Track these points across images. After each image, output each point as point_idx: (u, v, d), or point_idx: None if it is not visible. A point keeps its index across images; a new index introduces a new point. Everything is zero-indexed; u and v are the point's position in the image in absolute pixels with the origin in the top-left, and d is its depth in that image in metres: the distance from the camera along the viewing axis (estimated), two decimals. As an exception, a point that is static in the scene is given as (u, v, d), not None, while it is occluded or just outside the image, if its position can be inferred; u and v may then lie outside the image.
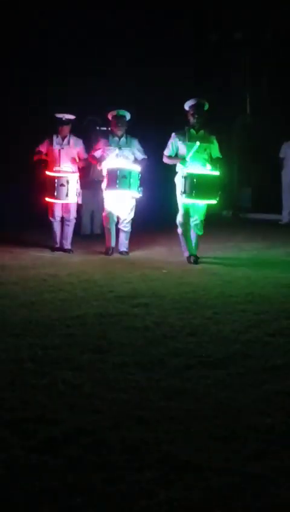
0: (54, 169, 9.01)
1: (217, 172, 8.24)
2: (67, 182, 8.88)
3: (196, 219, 8.40)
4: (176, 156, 8.34)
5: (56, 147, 9.05)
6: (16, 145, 11.65)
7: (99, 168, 9.01)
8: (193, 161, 8.21)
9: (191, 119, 8.34)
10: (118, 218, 9.02)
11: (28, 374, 4.13)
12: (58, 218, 9.18)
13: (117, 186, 8.57)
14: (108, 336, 4.98)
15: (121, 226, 9.02)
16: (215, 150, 8.37)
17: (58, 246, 9.21)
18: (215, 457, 3.08)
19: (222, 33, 15.09)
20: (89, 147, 9.41)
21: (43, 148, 9.12)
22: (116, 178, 8.53)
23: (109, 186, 8.64)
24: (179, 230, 8.43)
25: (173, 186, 8.40)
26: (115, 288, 6.67)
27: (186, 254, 8.47)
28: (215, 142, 8.38)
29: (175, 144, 8.34)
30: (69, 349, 4.63)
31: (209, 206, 8.42)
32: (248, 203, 14.93)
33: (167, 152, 8.42)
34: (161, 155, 8.48)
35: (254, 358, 4.50)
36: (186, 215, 8.36)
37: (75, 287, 6.72)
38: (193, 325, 5.33)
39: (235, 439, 3.27)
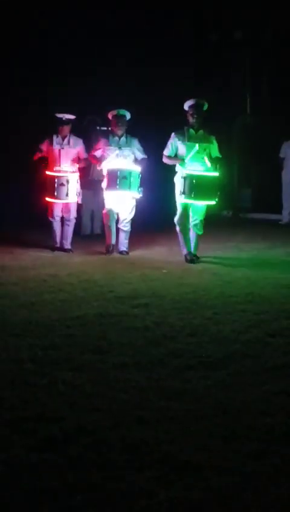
0: (54, 169, 9.02)
1: (216, 173, 8.26)
2: (67, 181, 8.88)
3: (195, 219, 8.43)
4: (176, 156, 8.37)
5: (56, 147, 9.05)
6: (16, 145, 11.66)
7: (99, 167, 9.02)
8: (192, 161, 8.24)
9: (191, 119, 8.38)
10: (117, 217, 9.03)
11: (28, 374, 4.14)
12: (57, 218, 9.18)
13: (117, 186, 8.58)
14: (108, 336, 4.99)
15: (120, 226, 9.03)
16: (214, 149, 8.39)
17: (58, 245, 9.21)
18: (215, 457, 3.09)
19: (222, 33, 15.08)
20: (89, 146, 9.41)
21: (43, 148, 9.12)
22: (117, 179, 8.54)
23: (109, 186, 8.64)
24: (177, 228, 8.47)
25: (172, 186, 8.42)
26: (115, 289, 6.67)
27: (185, 252, 8.50)
28: (214, 142, 8.41)
29: (175, 144, 8.37)
30: (69, 350, 4.64)
31: (209, 206, 8.43)
32: (248, 203, 14.92)
33: (166, 152, 8.44)
34: (161, 155, 8.50)
35: (254, 359, 4.50)
36: (185, 214, 8.39)
37: (75, 288, 6.72)
38: (193, 325, 5.34)
39: (235, 439, 3.27)
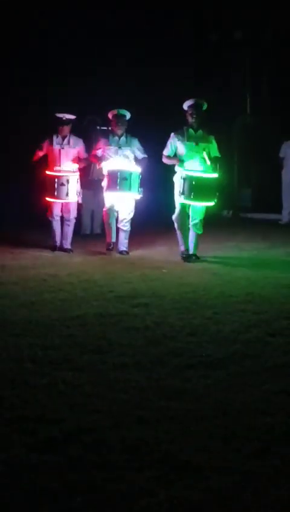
0: (54, 169, 9.01)
1: (215, 175, 8.29)
2: (68, 181, 8.88)
3: (195, 219, 8.47)
4: (175, 155, 8.39)
5: (56, 147, 9.05)
6: (16, 145, 11.65)
7: (99, 167, 9.00)
8: (191, 161, 8.26)
9: (190, 119, 8.42)
10: (117, 216, 9.03)
11: (28, 374, 4.14)
12: (57, 218, 9.17)
13: (118, 187, 8.58)
14: (108, 336, 4.99)
15: (120, 226, 9.03)
16: (214, 149, 8.43)
17: (58, 245, 9.20)
18: (215, 457, 3.09)
19: (222, 33, 15.07)
20: (89, 146, 9.41)
21: (42, 148, 9.11)
22: (117, 180, 8.54)
23: (109, 187, 8.65)
24: (176, 225, 8.53)
25: (172, 185, 8.44)
26: (115, 288, 6.67)
27: (182, 248, 8.55)
28: (213, 141, 8.45)
29: (174, 144, 8.41)
30: (69, 349, 4.64)
31: (208, 206, 8.45)
32: (248, 202, 14.91)
33: (166, 152, 8.47)
34: (161, 155, 8.52)
35: (254, 358, 4.50)
36: (183, 212, 8.44)
37: (75, 287, 6.72)
38: (193, 325, 5.33)
39: (235, 439, 3.27)
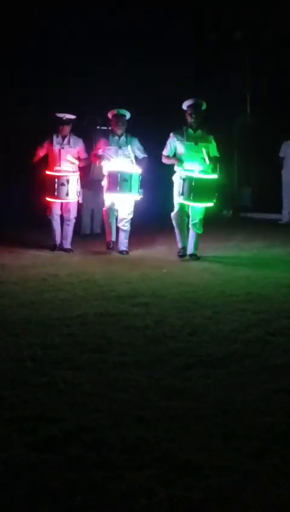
0: (54, 169, 9.01)
1: (215, 176, 8.32)
2: (68, 181, 8.88)
3: (194, 219, 8.49)
4: (175, 155, 8.41)
5: (56, 147, 9.05)
6: (16, 145, 11.65)
7: (99, 164, 8.98)
8: (190, 160, 8.28)
9: (189, 119, 8.44)
10: (117, 216, 9.03)
11: (28, 373, 4.14)
12: (56, 216, 9.17)
13: (118, 188, 8.59)
14: (108, 335, 4.99)
15: (120, 225, 9.03)
16: (213, 149, 8.45)
17: (57, 244, 9.18)
18: (215, 456, 3.09)
19: (222, 33, 15.07)
20: (89, 146, 9.41)
21: (42, 148, 9.12)
22: (117, 181, 8.54)
23: (109, 189, 8.65)
24: (174, 223, 8.57)
25: (172, 185, 8.46)
26: (115, 288, 6.67)
27: (179, 246, 8.58)
28: (213, 141, 8.48)
29: (173, 144, 8.44)
30: (69, 349, 4.64)
31: (209, 206, 8.47)
32: (248, 202, 14.92)
33: (165, 152, 8.50)
34: (161, 155, 8.53)
35: (254, 358, 4.50)
36: (182, 211, 8.48)
37: (75, 287, 6.72)
38: (192, 324, 5.33)
39: (235, 438, 3.27)
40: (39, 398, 3.74)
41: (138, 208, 9.03)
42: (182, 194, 8.19)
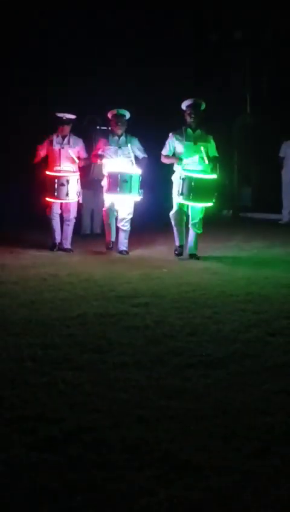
0: (54, 169, 9.01)
1: (214, 176, 8.34)
2: (68, 181, 8.88)
3: (194, 219, 8.52)
4: (174, 155, 8.43)
5: (56, 147, 9.05)
6: (16, 145, 11.65)
7: (100, 162, 8.96)
8: (190, 160, 8.29)
9: (188, 119, 8.47)
10: (117, 216, 9.03)
11: (28, 373, 4.13)
12: (56, 216, 9.16)
13: (118, 189, 8.59)
14: (108, 335, 4.98)
15: (120, 225, 9.03)
16: (212, 149, 8.49)
17: (57, 242, 9.16)
18: (215, 456, 3.09)
19: (222, 33, 15.07)
20: (89, 146, 9.41)
21: (43, 148, 9.11)
22: (118, 182, 8.54)
23: (109, 190, 8.65)
24: (172, 222, 8.60)
25: (171, 185, 8.47)
26: (115, 288, 6.67)
27: (177, 244, 8.61)
28: (212, 141, 8.52)
29: (172, 144, 8.47)
30: (69, 349, 4.64)
31: (209, 206, 8.49)
32: (248, 202, 14.92)
33: (164, 152, 8.53)
34: (160, 155, 8.54)
35: (254, 358, 4.50)
36: (181, 211, 8.52)
37: (75, 287, 6.72)
38: (192, 324, 5.33)
39: (235, 439, 3.27)
40: (39, 398, 3.74)
41: (138, 208, 9.02)
42: (182, 193, 8.21)
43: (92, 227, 10.96)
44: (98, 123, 10.86)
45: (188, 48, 14.63)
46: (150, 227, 10.74)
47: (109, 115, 8.96)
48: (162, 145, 8.59)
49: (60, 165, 9.02)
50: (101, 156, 8.84)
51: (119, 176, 8.56)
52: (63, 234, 9.21)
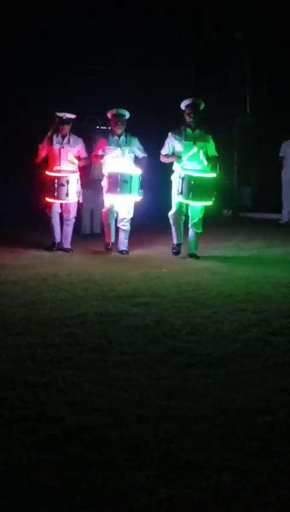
0: (54, 169, 9.00)
1: (213, 175, 8.35)
2: (68, 182, 8.87)
3: (194, 218, 8.56)
4: (173, 154, 8.43)
5: (56, 146, 9.04)
6: (16, 145, 11.65)
7: (100, 161, 8.95)
8: (189, 160, 8.32)
9: (187, 119, 8.49)
10: (117, 216, 9.03)
11: (28, 373, 4.13)
12: (56, 215, 9.15)
13: (118, 190, 8.59)
14: (108, 334, 4.99)
15: (120, 225, 9.03)
16: (211, 148, 8.51)
17: (57, 242, 9.15)
18: (215, 456, 3.09)
19: (222, 33, 15.07)
20: (89, 146, 9.41)
21: (43, 147, 9.11)
22: (118, 182, 8.55)
23: (109, 190, 8.65)
24: (171, 221, 8.64)
25: (171, 185, 8.48)
26: (115, 288, 6.67)
27: (175, 242, 8.66)
28: (211, 141, 8.54)
29: (171, 143, 8.49)
30: (69, 348, 4.64)
31: (209, 206, 8.52)
32: (247, 202, 14.92)
33: (163, 151, 8.55)
34: (160, 154, 8.56)
35: (254, 357, 4.50)
36: (179, 211, 8.56)
37: (75, 286, 6.72)
38: (192, 324, 5.33)
39: (235, 438, 3.27)
40: (39, 398, 3.74)
41: (138, 208, 9.03)
42: (181, 192, 8.24)
43: (92, 227, 10.96)
44: (98, 123, 10.85)
45: (188, 47, 14.63)
46: (150, 227, 10.74)
47: (109, 115, 8.97)
48: (162, 145, 8.60)
49: (60, 165, 9.02)
50: (102, 157, 8.83)
51: (119, 176, 8.56)
52: (63, 234, 9.21)
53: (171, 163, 8.51)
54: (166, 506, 2.68)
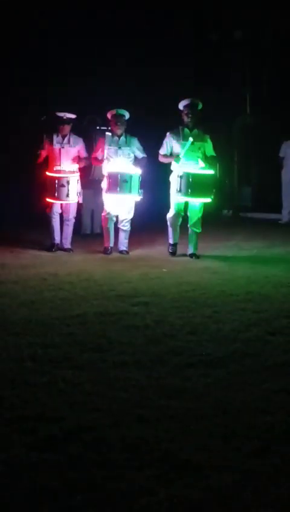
0: (54, 169, 9.00)
1: (211, 171, 8.39)
2: (68, 182, 8.87)
3: (193, 218, 8.58)
4: (171, 154, 8.44)
5: (56, 146, 9.04)
6: (16, 145, 11.64)
7: (101, 163, 8.95)
8: (186, 159, 8.32)
9: (185, 119, 8.52)
10: (117, 217, 9.03)
11: (28, 373, 4.13)
12: (56, 215, 9.14)
13: (118, 189, 8.58)
14: (108, 334, 4.98)
15: (120, 225, 9.03)
16: (209, 148, 8.53)
17: (57, 242, 9.15)
18: (215, 455, 3.08)
19: (222, 33, 15.06)
20: (89, 146, 9.40)
21: (44, 148, 9.11)
22: (117, 182, 8.54)
23: (109, 190, 8.65)
24: (168, 223, 8.70)
25: (170, 185, 8.49)
26: (115, 287, 6.67)
27: (171, 242, 8.71)
28: (209, 141, 8.56)
29: (170, 143, 8.52)
30: (69, 348, 4.64)
31: (209, 205, 8.53)
32: (248, 202, 14.92)
33: (162, 151, 8.57)
34: (158, 154, 8.57)
35: (254, 357, 4.50)
36: (177, 214, 8.60)
37: (75, 286, 6.72)
38: (192, 323, 5.33)
39: (235, 438, 3.27)
40: (39, 398, 3.74)
41: (138, 208, 9.03)
42: (180, 190, 8.27)
43: (92, 227, 10.96)
44: (98, 123, 10.85)
45: (188, 47, 14.63)
46: (150, 227, 10.74)
47: (109, 115, 8.96)
48: (160, 145, 8.60)
49: (60, 165, 9.02)
50: (102, 161, 8.83)
51: (119, 176, 8.56)
52: (63, 234, 9.21)
53: (170, 164, 8.52)
54: (166, 506, 2.68)
